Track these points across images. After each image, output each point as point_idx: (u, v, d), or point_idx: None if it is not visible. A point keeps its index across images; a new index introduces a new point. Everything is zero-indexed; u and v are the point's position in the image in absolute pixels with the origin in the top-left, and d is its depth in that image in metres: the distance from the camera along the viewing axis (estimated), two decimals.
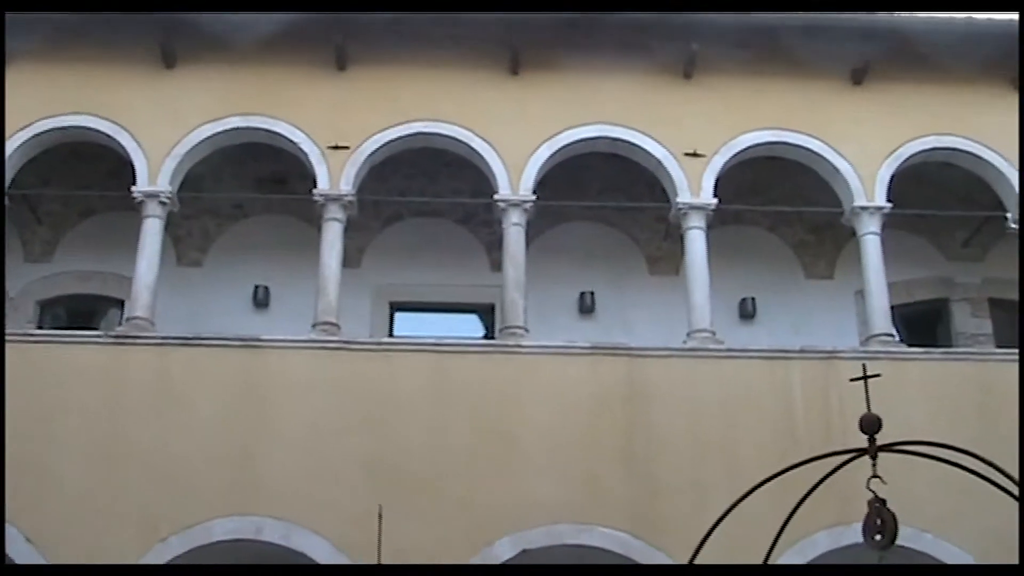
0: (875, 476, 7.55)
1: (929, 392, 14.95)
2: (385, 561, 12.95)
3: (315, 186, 15.38)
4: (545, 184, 15.83)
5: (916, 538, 13.90)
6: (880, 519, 7.63)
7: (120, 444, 13.72)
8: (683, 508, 13.23)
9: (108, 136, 15.45)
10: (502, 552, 13.63)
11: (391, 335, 16.90)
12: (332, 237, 15.23)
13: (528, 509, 13.80)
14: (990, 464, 7.45)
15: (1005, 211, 16.34)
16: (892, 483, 8.50)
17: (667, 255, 17.44)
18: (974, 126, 16.46)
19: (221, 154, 16.03)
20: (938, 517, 14.02)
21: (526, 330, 14.86)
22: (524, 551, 13.69)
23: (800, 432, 14.22)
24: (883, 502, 7.65)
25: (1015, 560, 13.04)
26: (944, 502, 13.51)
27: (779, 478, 8.36)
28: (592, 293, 17.33)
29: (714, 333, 15.06)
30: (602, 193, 17.45)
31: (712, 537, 8.74)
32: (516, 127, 15.79)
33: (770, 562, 12.49)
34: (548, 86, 16.10)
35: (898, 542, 13.19)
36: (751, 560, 9.84)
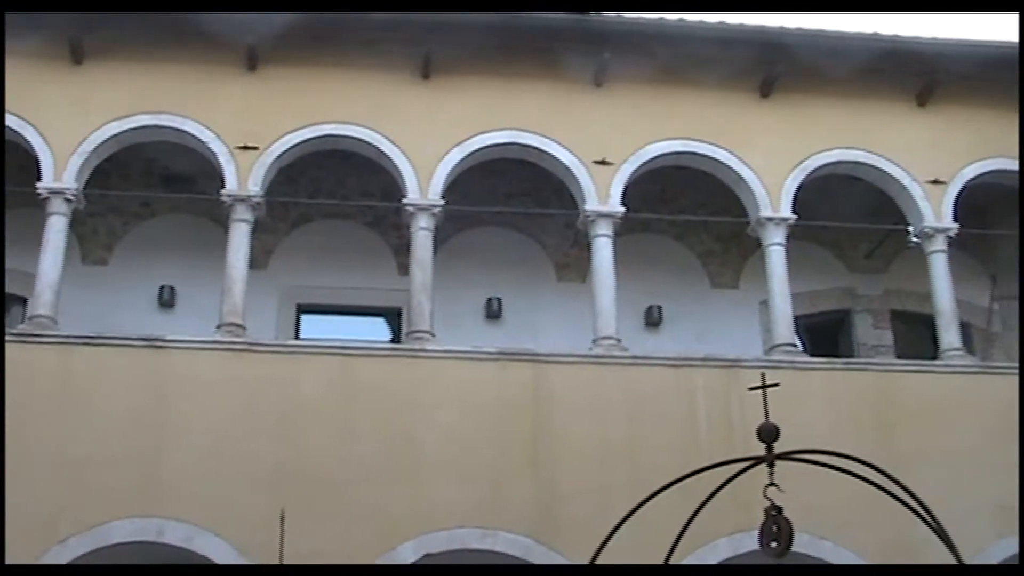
0: (772, 484, 7.66)
1: (831, 402, 15.16)
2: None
3: (223, 186, 15.27)
4: (455, 189, 15.85)
5: (815, 545, 14.13)
6: (776, 526, 7.74)
7: (20, 443, 13.48)
8: (586, 513, 13.29)
9: (15, 131, 15.23)
10: (405, 556, 13.61)
11: (297, 337, 16.83)
12: (239, 238, 15.13)
13: (432, 513, 13.81)
14: (884, 474, 7.58)
15: (907, 224, 16.61)
16: (793, 490, 8.63)
17: (574, 262, 17.52)
18: (879, 141, 16.71)
19: (129, 152, 15.88)
20: (837, 524, 14.22)
21: (432, 334, 14.86)
22: (427, 555, 13.68)
23: (702, 439, 14.36)
24: (779, 510, 7.76)
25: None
26: (843, 510, 13.66)
27: (682, 485, 8.46)
28: (499, 298, 17.35)
29: (619, 340, 15.16)
30: (511, 199, 17.48)
31: (615, 542, 8.81)
32: (427, 131, 15.77)
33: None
34: (460, 91, 16.11)
35: (797, 549, 13.47)
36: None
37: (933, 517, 7.50)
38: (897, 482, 7.65)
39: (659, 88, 16.44)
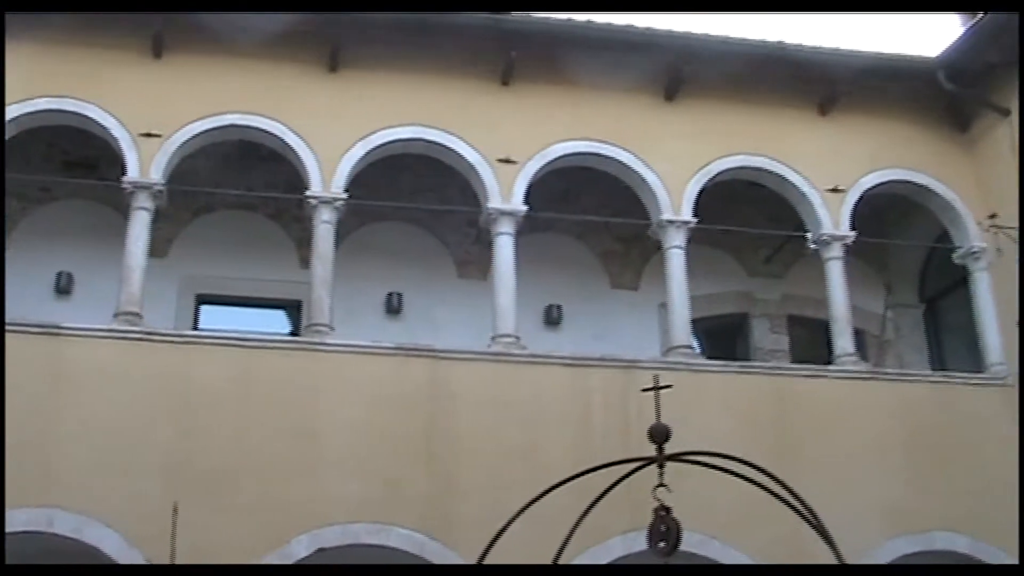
0: (661, 484, 7.74)
1: (727, 404, 15.33)
2: (180, 557, 12.82)
3: (124, 173, 15.12)
4: (358, 183, 15.82)
5: (704, 544, 14.30)
6: (665, 526, 7.83)
7: None
8: (481, 510, 13.22)
9: None
10: (298, 550, 13.56)
11: (196, 328, 16.69)
12: (139, 226, 14.96)
13: (326, 508, 13.78)
14: (770, 476, 7.69)
15: (806, 231, 16.83)
16: (687, 491, 8.74)
17: (476, 259, 17.56)
18: (781, 148, 16.93)
19: (29, 135, 15.66)
20: (728, 525, 14.40)
21: (332, 328, 14.83)
22: (320, 550, 13.65)
23: (598, 439, 14.46)
24: (668, 510, 7.86)
25: None
26: (735, 510, 13.79)
27: (577, 485, 8.54)
28: (400, 294, 17.35)
29: (518, 338, 15.21)
30: (415, 194, 17.45)
31: (510, 539, 8.88)
32: (332, 124, 15.73)
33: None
34: (367, 85, 16.08)
35: (687, 548, 13.64)
36: (543, 563, 9.95)
37: (815, 517, 7.63)
38: (782, 483, 7.77)
39: (565, 89, 16.52)
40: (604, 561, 14.10)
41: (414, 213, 17.52)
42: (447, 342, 15.47)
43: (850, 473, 15.21)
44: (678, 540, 7.85)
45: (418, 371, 14.72)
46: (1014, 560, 15.19)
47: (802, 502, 7.70)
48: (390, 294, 17.33)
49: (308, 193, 15.40)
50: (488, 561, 8.85)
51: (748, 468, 7.99)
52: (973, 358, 17.27)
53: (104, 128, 15.26)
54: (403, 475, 14.12)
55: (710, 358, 16.56)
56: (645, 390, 8.65)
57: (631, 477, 8.50)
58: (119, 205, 15.65)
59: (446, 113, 16.08)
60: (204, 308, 17.13)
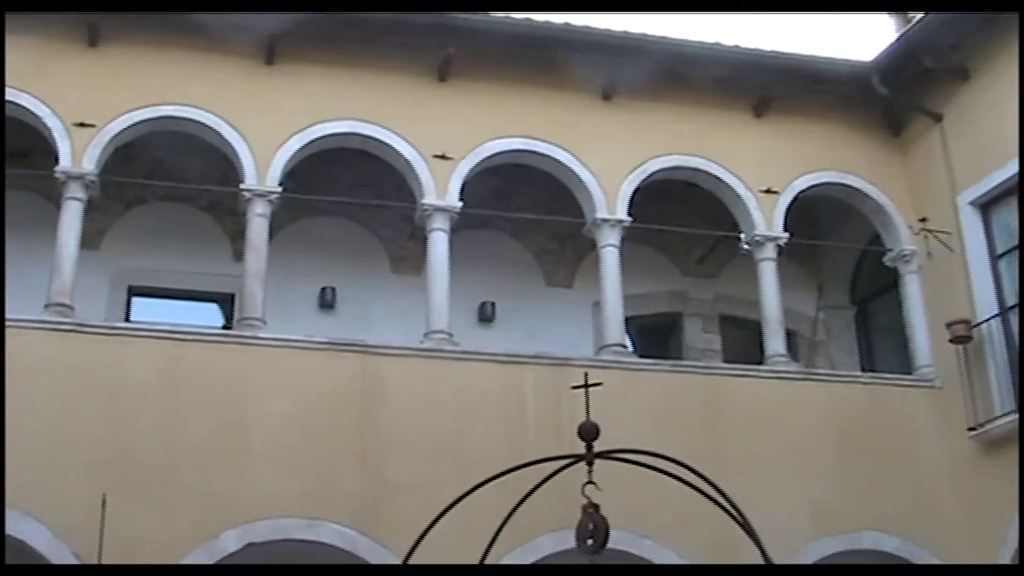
0: (590, 482, 7.77)
1: (658, 403, 15.41)
2: (108, 551, 12.71)
3: (57, 163, 14.97)
4: (293, 176, 15.78)
5: (636, 543, 14.37)
6: (592, 524, 7.85)
7: None
8: (411, 506, 13.19)
9: None
10: (228, 545, 13.50)
11: (127, 320, 16.53)
12: (71, 216, 14.81)
13: (257, 503, 13.71)
14: (699, 475, 7.73)
15: (739, 232, 16.94)
16: (617, 489, 8.77)
17: (411, 255, 17.48)
18: (716, 149, 17.04)
19: None
20: (658, 523, 14.48)
21: (264, 322, 14.76)
22: (250, 544, 13.59)
23: (530, 436, 14.49)
24: (596, 507, 7.88)
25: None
26: (665, 509, 13.86)
27: (508, 482, 8.55)
28: (333, 288, 17.24)
29: (451, 335, 15.21)
30: (350, 189, 17.36)
31: (440, 536, 8.89)
32: (267, 117, 15.64)
33: (494, 563, 12.76)
34: (303, 78, 16.01)
35: (618, 547, 13.72)
36: (474, 560, 9.96)
37: (742, 516, 7.68)
38: (710, 482, 7.82)
39: (502, 86, 16.54)
40: (533, 559, 14.14)
41: (349, 208, 17.44)
42: (380, 337, 15.40)
43: (780, 473, 15.34)
44: (606, 538, 7.88)
45: (350, 366, 14.68)
46: (941, 561, 15.38)
47: (730, 501, 7.75)
48: (324, 289, 17.24)
49: (243, 186, 15.32)
50: (417, 557, 8.85)
51: (677, 467, 8.03)
52: (902, 360, 17.46)
53: (37, 117, 15.08)
54: (334, 470, 14.09)
55: (643, 357, 16.64)
56: (575, 388, 8.69)
57: (561, 475, 8.53)
58: (51, 195, 15.47)
59: (383, 108, 16.05)
60: (136, 300, 16.96)
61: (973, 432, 15.74)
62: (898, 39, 17.41)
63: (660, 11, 20.82)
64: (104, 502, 12.63)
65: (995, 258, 16.38)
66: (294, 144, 15.59)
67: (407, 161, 15.89)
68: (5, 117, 14.95)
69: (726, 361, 17.81)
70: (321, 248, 17.42)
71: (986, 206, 16.55)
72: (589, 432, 7.91)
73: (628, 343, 16.51)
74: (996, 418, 15.53)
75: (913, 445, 16.16)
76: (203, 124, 15.53)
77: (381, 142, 15.96)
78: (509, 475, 8.63)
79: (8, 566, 12.71)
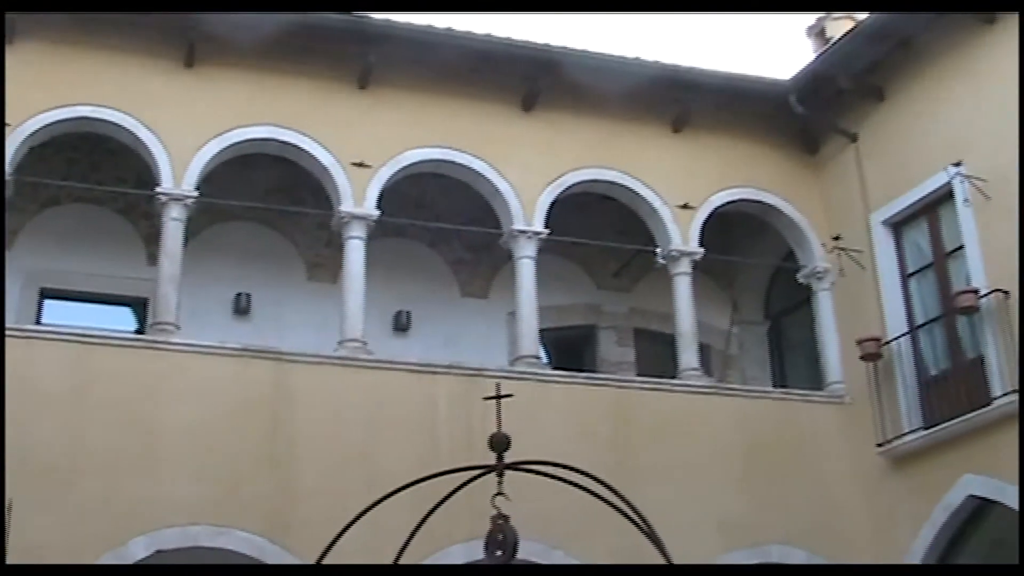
0: (500, 493, 7.77)
1: (572, 415, 15.47)
2: (14, 557, 12.51)
3: None
4: (210, 181, 15.65)
5: (546, 554, 14.40)
6: (502, 535, 7.85)
7: None
8: (321, 515, 13.08)
9: None
10: (135, 552, 13.37)
11: (38, 322, 16.31)
12: None
13: (165, 509, 13.58)
14: (608, 487, 7.76)
15: (655, 246, 17.04)
16: (529, 500, 8.79)
17: (327, 262, 17.37)
18: (634, 163, 17.14)
19: None
20: (569, 535, 14.53)
21: (177, 327, 14.63)
22: (159, 551, 13.47)
23: (443, 446, 14.46)
24: (506, 518, 7.88)
25: None
26: (577, 521, 13.88)
27: (420, 492, 8.54)
28: (248, 294, 17.08)
29: (365, 343, 15.16)
30: (267, 195, 17.24)
31: (350, 545, 8.86)
32: (185, 120, 15.51)
33: None
34: (222, 82, 15.89)
35: (529, 558, 13.74)
36: None
37: (650, 528, 7.72)
38: (619, 494, 7.85)
39: (423, 94, 16.54)
40: None
41: (266, 214, 17.33)
42: (294, 345, 15.32)
43: (691, 486, 15.44)
44: (515, 549, 7.88)
45: (263, 373, 14.60)
46: None
47: (638, 513, 7.79)
48: (238, 294, 17.08)
49: (158, 189, 15.18)
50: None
51: (587, 479, 8.05)
52: (813, 375, 17.64)
53: None
54: (244, 477, 13.99)
55: (557, 369, 16.67)
56: (487, 398, 8.68)
57: (473, 486, 8.52)
58: None
59: (302, 114, 15.98)
60: (48, 303, 16.71)
61: (881, 448, 15.94)
62: (815, 59, 17.67)
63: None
64: (9, 508, 12.44)
65: (906, 277, 16.63)
66: (212, 148, 15.48)
67: (325, 168, 15.83)
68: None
69: (640, 374, 17.87)
70: (236, 254, 17.27)
71: (898, 225, 16.79)
72: (500, 443, 7.91)
73: (542, 355, 16.56)
74: (904, 434, 15.74)
75: (822, 460, 16.34)
76: (119, 125, 15.37)
77: (299, 148, 15.88)
78: (420, 485, 8.62)
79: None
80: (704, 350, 18.05)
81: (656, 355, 18.45)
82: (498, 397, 8.39)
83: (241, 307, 17.03)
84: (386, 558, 9.74)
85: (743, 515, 15.58)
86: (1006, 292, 14.77)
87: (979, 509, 14.98)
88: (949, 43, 15.98)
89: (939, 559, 15.22)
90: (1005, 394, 14.51)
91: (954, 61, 15.96)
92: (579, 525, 14.11)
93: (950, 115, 15.93)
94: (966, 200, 15.45)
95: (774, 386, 18.44)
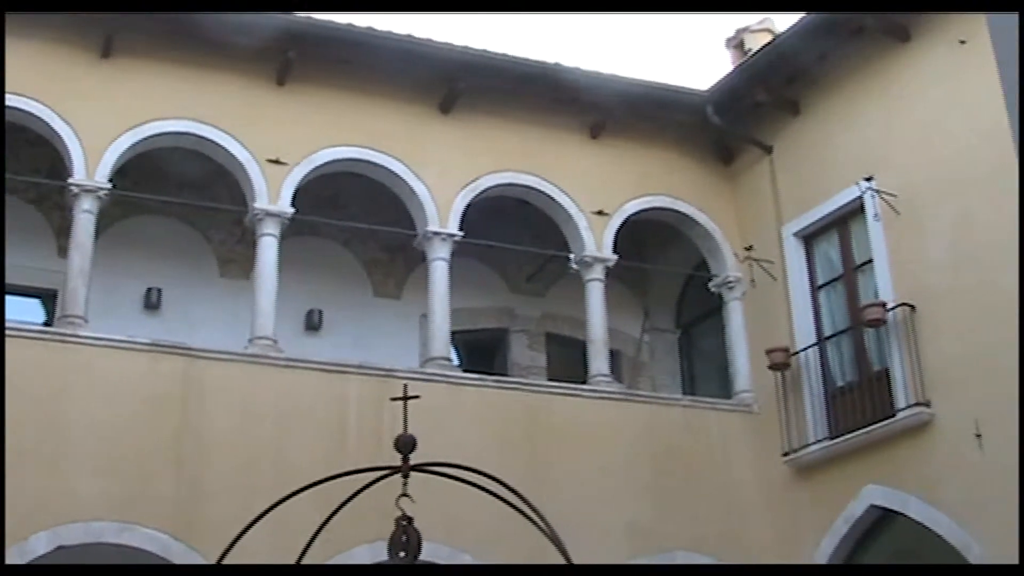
0: (404, 495, 7.77)
1: (482, 418, 15.50)
2: None
3: None
4: (124, 173, 15.53)
5: (454, 557, 14.42)
6: (405, 536, 7.85)
7: None
8: (227, 513, 13.03)
9: None
10: (37, 547, 13.19)
11: None
12: None
13: (69, 505, 13.43)
14: (513, 491, 7.78)
15: (569, 252, 17.11)
16: (437, 503, 8.80)
17: (240, 259, 17.28)
18: (551, 168, 17.21)
19: None
20: (477, 538, 14.53)
21: (86, 320, 14.48)
22: (60, 547, 13.31)
23: (352, 446, 14.44)
24: (410, 520, 7.88)
25: None
26: (484, 525, 13.92)
27: (327, 492, 8.50)
28: (159, 289, 16.90)
29: (276, 341, 15.09)
30: (181, 189, 17.09)
31: (255, 543, 8.80)
32: (100, 112, 15.34)
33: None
34: (139, 74, 15.73)
35: (436, 560, 13.75)
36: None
37: (553, 531, 7.75)
38: (522, 498, 7.87)
39: (342, 93, 16.51)
40: None
41: (179, 208, 17.17)
42: (205, 341, 15.23)
43: (599, 491, 15.53)
44: (418, 550, 7.88)
45: (172, 369, 14.48)
46: None
47: (541, 517, 7.81)
48: (149, 289, 16.91)
49: (70, 180, 15.01)
50: (231, 563, 8.76)
51: (493, 482, 8.08)
52: (723, 384, 17.80)
53: None
54: (150, 474, 13.87)
55: (468, 371, 16.68)
56: (394, 399, 8.68)
57: (380, 488, 8.49)
58: None
59: (219, 110, 15.88)
60: None
61: (787, 457, 16.13)
62: (733, 71, 17.83)
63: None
64: None
65: (815, 289, 16.84)
66: (126, 140, 15.33)
67: (241, 164, 15.74)
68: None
69: (550, 379, 17.91)
70: (149, 248, 17.10)
71: (809, 238, 17.00)
72: (405, 444, 7.90)
73: (454, 357, 16.59)
74: (809, 444, 15.94)
75: (729, 468, 16.50)
76: (32, 114, 15.18)
77: (215, 143, 15.79)
78: (329, 485, 8.59)
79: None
80: (615, 356, 18.18)
81: (567, 360, 18.53)
82: (405, 398, 8.38)
83: (152, 302, 16.86)
84: (292, 557, 9.66)
85: (650, 521, 15.69)
86: (912, 306, 15.01)
87: (881, 519, 15.20)
88: (864, 60, 16.20)
89: None
90: (909, 406, 14.75)
91: (869, 78, 16.19)
92: (487, 529, 14.14)
93: (863, 131, 16.16)
94: (876, 215, 15.66)
95: (684, 394, 18.57)
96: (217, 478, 14.06)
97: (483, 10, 22.70)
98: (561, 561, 8.17)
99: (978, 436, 13.94)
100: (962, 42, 14.55)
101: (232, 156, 15.78)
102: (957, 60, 14.72)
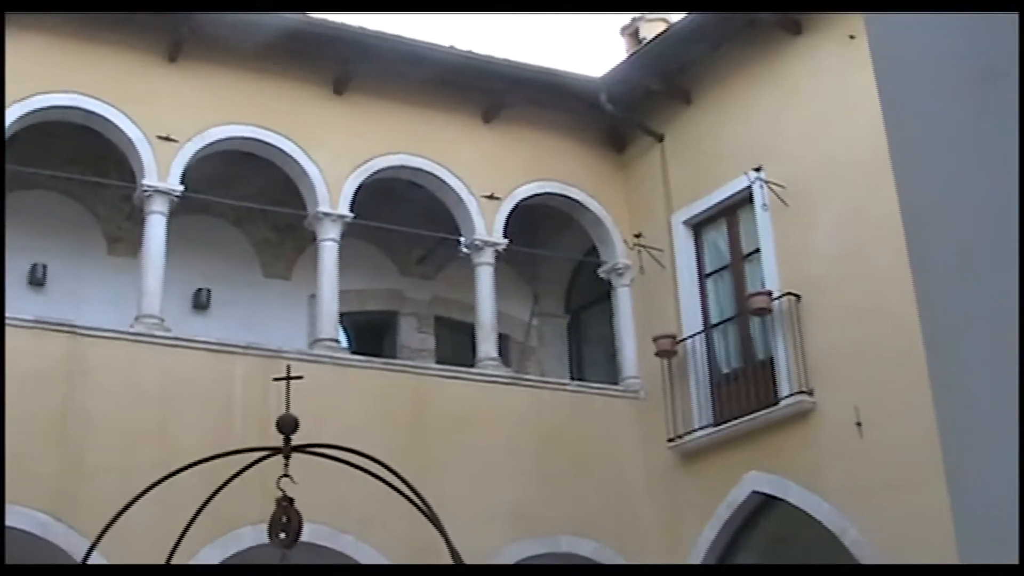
0: (286, 475, 7.75)
1: (369, 400, 15.48)
2: None
3: None
4: (10, 147, 15.24)
5: (336, 538, 14.39)
6: (286, 517, 7.84)
7: None
8: (109, 492, 12.85)
9: None
10: None
11: None
12: None
13: None
14: (395, 473, 7.80)
15: (460, 235, 17.13)
16: (322, 485, 8.80)
17: (127, 236, 17.03)
18: (443, 151, 17.20)
19: None
20: (360, 520, 14.52)
21: None
22: None
23: (238, 427, 14.36)
24: (291, 501, 7.87)
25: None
26: (368, 506, 13.87)
27: (212, 472, 8.47)
28: (45, 266, 16.61)
29: (163, 320, 14.96)
30: (69, 164, 16.85)
31: (138, 522, 8.76)
32: None
33: (192, 555, 12.66)
34: (27, 45, 15.40)
35: (318, 542, 13.73)
36: (176, 548, 9.78)
37: (433, 513, 7.78)
38: (404, 480, 7.89)
39: (235, 71, 16.36)
40: (234, 550, 13.99)
41: (67, 184, 16.92)
42: (90, 319, 15.01)
43: (484, 474, 15.58)
44: (299, 531, 7.87)
45: (56, 347, 14.29)
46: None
47: (422, 499, 7.85)
48: (34, 265, 16.62)
49: None
50: (113, 544, 8.71)
51: (376, 464, 8.08)
52: (610, 370, 17.93)
53: None
54: (30, 453, 13.64)
55: (356, 353, 16.66)
56: (277, 379, 8.66)
57: (266, 469, 8.47)
58: None
59: (109, 84, 15.66)
60: None
61: (672, 443, 16.29)
62: (627, 59, 17.93)
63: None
64: None
65: (703, 277, 17.02)
66: (13, 113, 15.06)
67: (130, 140, 15.56)
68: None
69: (439, 362, 17.94)
70: (34, 223, 16.80)
71: (698, 226, 17.17)
72: (287, 425, 7.89)
73: (342, 338, 16.53)
74: (694, 431, 16.11)
75: (615, 453, 16.62)
76: None
77: (105, 119, 15.58)
78: (214, 466, 8.55)
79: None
80: (504, 340, 18.23)
81: (456, 344, 18.57)
82: (288, 378, 8.36)
83: (37, 278, 16.57)
84: (175, 537, 9.63)
85: (536, 505, 15.77)
86: (798, 296, 15.23)
87: (762, 505, 15.42)
88: (756, 51, 16.38)
89: (721, 554, 15.64)
90: (792, 395, 14.98)
91: (760, 69, 16.37)
92: (371, 511, 14.08)
93: (754, 122, 16.35)
94: (764, 205, 15.86)
95: (571, 379, 18.67)
96: (100, 457, 13.88)
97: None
98: (444, 543, 8.22)
99: (858, 425, 14.21)
100: (851, 37, 14.75)
101: (121, 132, 15.58)
102: (847, 55, 14.93)
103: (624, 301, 17.67)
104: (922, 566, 15.25)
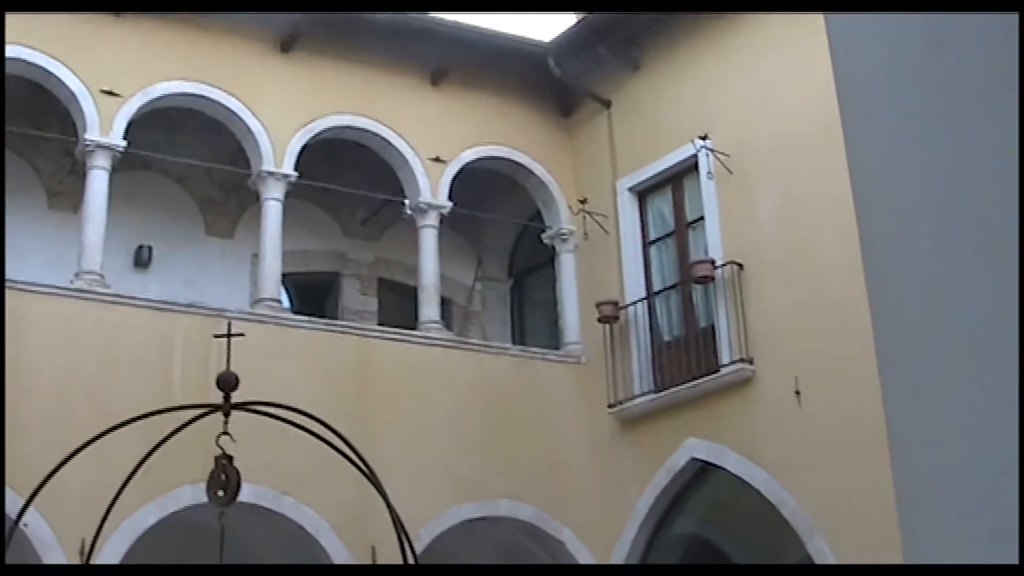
0: (225, 433, 7.72)
1: (310, 360, 15.43)
2: None
3: None
4: None
5: (276, 500, 14.36)
6: (225, 475, 7.81)
7: None
8: (44, 449, 12.66)
9: None
10: None
11: None
12: None
13: None
14: (336, 434, 7.78)
15: (404, 197, 17.08)
16: (263, 446, 8.76)
17: (69, 191, 16.88)
18: (389, 113, 17.12)
19: None
20: (300, 482, 14.48)
21: None
22: None
23: (177, 385, 14.25)
24: (230, 459, 7.84)
25: (358, 527, 13.77)
26: (309, 468, 13.88)
27: (152, 430, 8.43)
28: None
29: (103, 276, 14.81)
30: (10, 118, 16.46)
31: (75, 480, 8.70)
32: None
33: (129, 514, 12.59)
34: None
35: (258, 503, 13.70)
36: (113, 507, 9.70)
37: (374, 475, 7.78)
38: (346, 441, 7.88)
39: (180, 27, 16.19)
40: (172, 509, 13.92)
41: (8, 137, 16.59)
42: (28, 275, 14.80)
43: (425, 438, 15.58)
44: (237, 490, 7.85)
45: None
46: (572, 531, 15.93)
47: (363, 460, 7.83)
48: None
49: None
50: (48, 502, 8.65)
51: (316, 424, 8.06)
52: (553, 335, 17.96)
53: None
54: None
55: (298, 313, 16.58)
56: (218, 336, 8.62)
57: (206, 428, 8.43)
58: None
59: (51, 38, 15.44)
60: None
61: (612, 409, 16.34)
62: (576, 24, 17.86)
63: None
64: None
65: (647, 244, 17.05)
66: None
67: (72, 94, 15.37)
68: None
69: (381, 324, 17.87)
70: None
71: (643, 193, 17.19)
72: (227, 382, 7.85)
73: (285, 299, 16.47)
74: (634, 397, 16.17)
75: (555, 418, 16.65)
76: None
77: (46, 71, 15.37)
78: (153, 424, 8.51)
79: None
80: (446, 304, 18.21)
81: (398, 306, 18.52)
82: (228, 336, 8.31)
83: None
84: (112, 494, 9.57)
85: (476, 469, 15.79)
86: (740, 265, 15.29)
87: (701, 472, 15.52)
88: (704, 21, 16.36)
89: (659, 519, 15.73)
90: (732, 363, 15.05)
91: (707, 38, 16.37)
92: (312, 472, 14.08)
93: (700, 90, 16.36)
94: (709, 173, 15.91)
95: (513, 343, 18.69)
96: (36, 414, 13.71)
97: None
98: (383, 505, 8.22)
99: (797, 394, 14.30)
100: None
101: (64, 85, 15.39)
102: (792, 25, 14.94)
103: (567, 266, 17.68)
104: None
